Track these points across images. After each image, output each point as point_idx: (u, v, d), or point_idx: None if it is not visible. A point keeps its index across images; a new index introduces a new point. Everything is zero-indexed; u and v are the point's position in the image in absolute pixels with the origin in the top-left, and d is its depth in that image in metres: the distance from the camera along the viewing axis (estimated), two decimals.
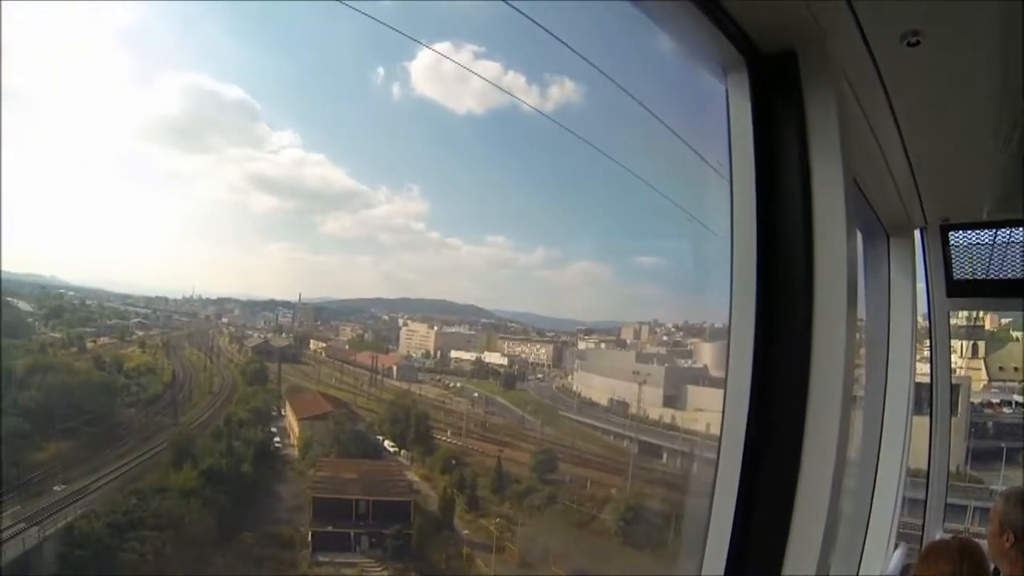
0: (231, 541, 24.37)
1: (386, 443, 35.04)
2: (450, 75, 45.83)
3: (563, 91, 45.27)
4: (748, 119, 2.40)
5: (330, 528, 26.30)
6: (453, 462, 33.09)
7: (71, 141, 37.88)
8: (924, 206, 4.50)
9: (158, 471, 24.87)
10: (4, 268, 32.21)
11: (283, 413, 34.30)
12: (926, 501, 5.60)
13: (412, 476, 33.14)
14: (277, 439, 32.15)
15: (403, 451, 34.69)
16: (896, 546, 4.69)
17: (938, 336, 5.51)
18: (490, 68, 44.61)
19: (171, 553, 22.10)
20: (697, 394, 36.24)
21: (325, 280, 53.23)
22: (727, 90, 2.48)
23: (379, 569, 26.12)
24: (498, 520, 30.70)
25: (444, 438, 36.51)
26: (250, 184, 50.86)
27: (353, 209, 48.54)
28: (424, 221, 50.83)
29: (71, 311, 32.82)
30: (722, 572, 2.34)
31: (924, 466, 5.67)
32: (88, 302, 34.92)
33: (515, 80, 45.08)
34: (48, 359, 27.05)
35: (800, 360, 2.24)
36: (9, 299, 30.64)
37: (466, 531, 29.69)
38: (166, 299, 40.34)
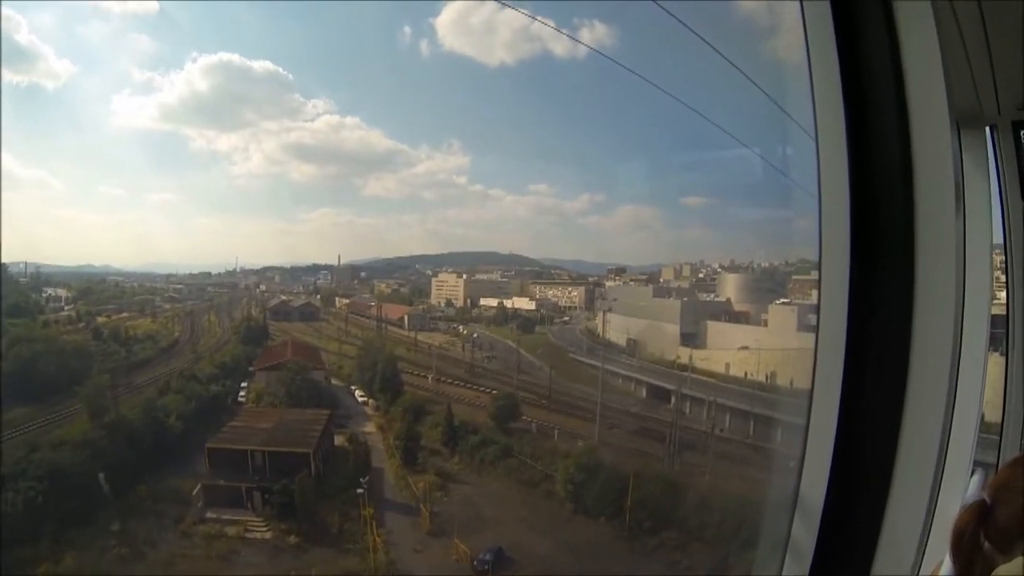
0: (124, 494, 24.02)
1: (356, 392, 32.07)
2: (478, 27, 45.49)
3: (594, 34, 40.67)
4: None
5: (221, 482, 24.31)
6: (401, 411, 28.40)
7: (108, 133, 41.98)
8: (999, 94, 3.85)
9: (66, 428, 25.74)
10: (59, 263, 37.88)
11: None
12: (998, 464, 4.14)
13: (369, 427, 29.55)
14: (243, 393, 31.59)
15: (371, 400, 31.28)
16: (973, 472, 3.43)
17: (1014, 251, 4.47)
18: (517, 17, 40.84)
19: (43, 504, 22.37)
20: (718, 331, 31.90)
21: (371, 241, 53.15)
22: None
23: (263, 529, 23.26)
24: (435, 477, 25.28)
25: (421, 385, 31.97)
26: (288, 155, 51.96)
27: (394, 169, 46.84)
28: (466, 175, 47.48)
29: (98, 292, 36.97)
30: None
31: (991, 418, 4.71)
32: (124, 283, 39.17)
33: (543, 28, 40.16)
34: (28, 333, 30.22)
35: (903, 279, 2.06)
36: (46, 288, 35.82)
37: (388, 489, 25.02)
38: (209, 273, 43.54)
